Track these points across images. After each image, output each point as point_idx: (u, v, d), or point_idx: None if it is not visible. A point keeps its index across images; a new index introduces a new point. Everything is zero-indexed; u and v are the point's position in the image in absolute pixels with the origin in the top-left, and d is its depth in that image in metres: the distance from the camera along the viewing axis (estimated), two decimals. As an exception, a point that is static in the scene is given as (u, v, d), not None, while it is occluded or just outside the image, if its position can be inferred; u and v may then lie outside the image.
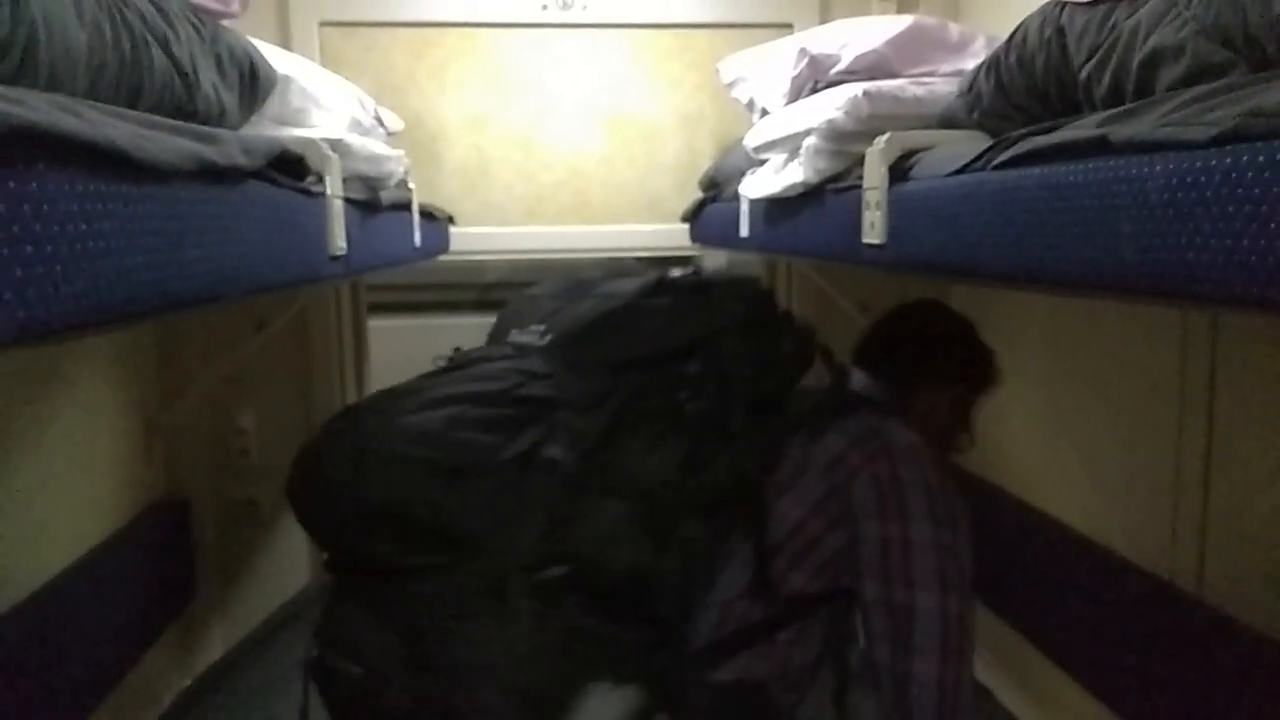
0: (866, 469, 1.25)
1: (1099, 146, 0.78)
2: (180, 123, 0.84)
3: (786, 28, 2.59)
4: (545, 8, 2.63)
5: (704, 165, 2.61)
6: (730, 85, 2.10)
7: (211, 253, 0.78)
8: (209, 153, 0.77)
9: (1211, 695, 1.48)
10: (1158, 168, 0.70)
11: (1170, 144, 0.69)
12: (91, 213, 0.59)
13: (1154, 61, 0.87)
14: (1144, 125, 0.74)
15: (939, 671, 1.19)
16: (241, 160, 0.86)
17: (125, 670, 1.94)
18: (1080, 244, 0.79)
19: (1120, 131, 0.76)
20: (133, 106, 0.89)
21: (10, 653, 1.51)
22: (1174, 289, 0.71)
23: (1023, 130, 0.97)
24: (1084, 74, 1.01)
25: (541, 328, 1.28)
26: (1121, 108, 0.84)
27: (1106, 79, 0.96)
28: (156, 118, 0.80)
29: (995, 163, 0.95)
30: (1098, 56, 0.98)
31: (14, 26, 0.72)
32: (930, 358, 1.47)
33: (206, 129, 0.88)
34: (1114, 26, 0.96)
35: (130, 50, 0.89)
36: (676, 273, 1.33)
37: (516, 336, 1.30)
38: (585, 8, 2.64)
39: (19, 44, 0.73)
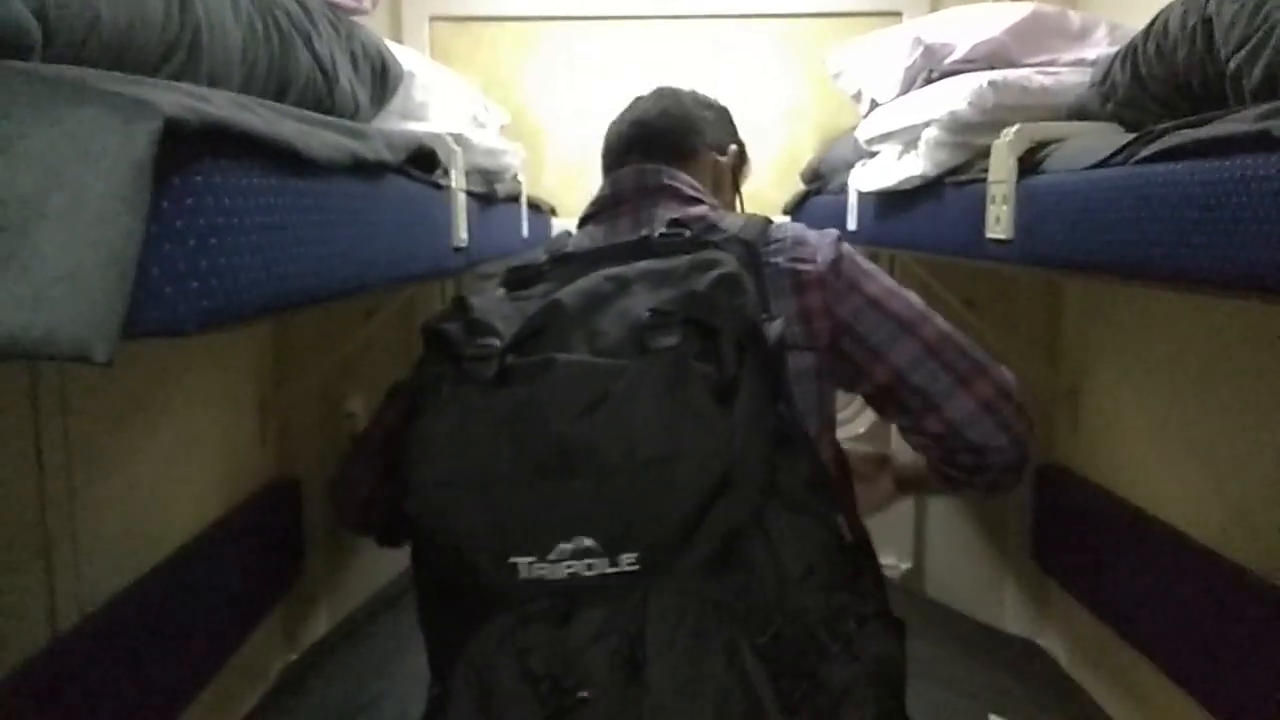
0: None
1: (1259, 141, 0.75)
2: (329, 118, 0.87)
3: (895, 16, 2.55)
4: (649, -1, 2.64)
5: (806, 157, 2.59)
6: (837, 76, 2.08)
7: (360, 245, 0.81)
8: (360, 148, 0.80)
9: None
10: (1328, 164, 0.68)
11: (1344, 139, 0.66)
12: (264, 205, 0.62)
13: (1316, 52, 0.84)
14: (1311, 119, 0.72)
15: (971, 402, 1.13)
16: (387, 155, 0.88)
17: (238, 644, 2.02)
18: (1236, 243, 0.76)
19: (1285, 126, 0.73)
20: (279, 101, 0.93)
21: (131, 626, 1.58)
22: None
23: (1167, 124, 0.94)
24: (1232, 65, 0.97)
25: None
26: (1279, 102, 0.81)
27: (1259, 71, 0.92)
28: (308, 113, 0.83)
29: (1139, 156, 0.92)
30: (1249, 47, 0.94)
31: (181, 26, 0.75)
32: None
33: (353, 125, 0.91)
34: (1268, 16, 0.92)
35: (279, 47, 0.93)
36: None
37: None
38: (689, -1, 2.64)
39: (185, 43, 0.76)
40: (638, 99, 1.40)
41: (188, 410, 1.94)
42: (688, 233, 1.09)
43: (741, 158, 1.42)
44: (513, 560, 0.90)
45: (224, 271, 0.57)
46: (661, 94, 1.38)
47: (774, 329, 1.00)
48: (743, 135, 1.44)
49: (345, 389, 2.56)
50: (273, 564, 2.29)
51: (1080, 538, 2.28)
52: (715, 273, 0.98)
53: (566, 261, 1.10)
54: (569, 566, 0.90)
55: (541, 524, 0.90)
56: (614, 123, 1.37)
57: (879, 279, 1.17)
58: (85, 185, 0.48)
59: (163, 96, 0.51)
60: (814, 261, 1.11)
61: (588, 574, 0.90)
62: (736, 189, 1.43)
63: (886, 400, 1.16)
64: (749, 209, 1.38)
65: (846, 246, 1.18)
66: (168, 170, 0.52)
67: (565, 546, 0.89)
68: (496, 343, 0.94)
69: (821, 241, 1.15)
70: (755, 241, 1.11)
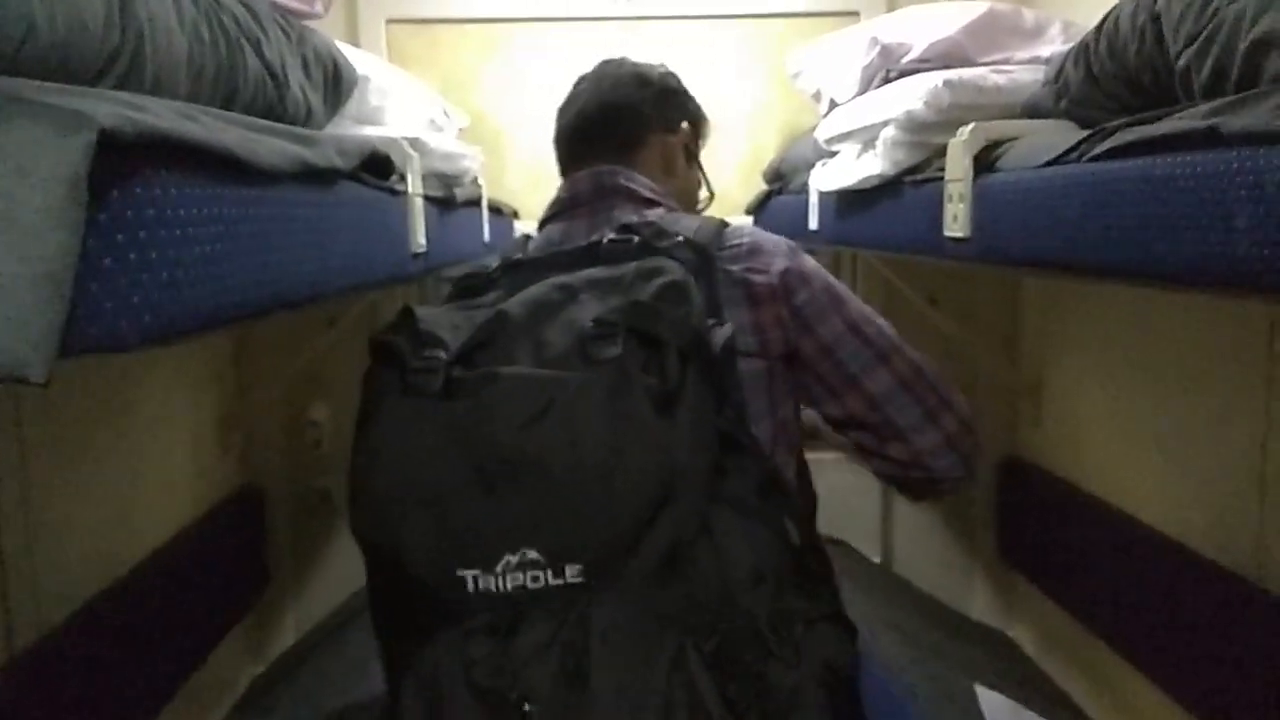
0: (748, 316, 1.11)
1: (1209, 138, 0.76)
2: (277, 125, 0.85)
3: (853, 16, 2.56)
4: (609, 0, 2.63)
5: (768, 157, 2.59)
6: (796, 76, 2.08)
7: (312, 254, 0.80)
8: (309, 155, 0.79)
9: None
10: (1275, 160, 0.68)
11: (1290, 135, 0.67)
12: (209, 216, 0.61)
13: (1262, 48, 0.84)
14: (1258, 116, 0.72)
15: (938, 437, 1.15)
16: (338, 161, 0.87)
17: (203, 656, 1.99)
18: (1189, 238, 0.76)
19: (1232, 123, 0.74)
20: (227, 108, 0.91)
21: (92, 643, 1.55)
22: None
23: (1120, 121, 0.95)
24: (1182, 62, 0.98)
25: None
26: (1229, 98, 0.81)
27: (1207, 67, 0.93)
28: (256, 120, 0.81)
29: (1092, 154, 0.93)
30: (1198, 44, 0.95)
31: (123, 34, 0.74)
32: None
33: (303, 131, 0.90)
34: (1216, 12, 0.93)
35: (226, 53, 0.91)
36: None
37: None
38: (649, 0, 2.64)
39: (128, 51, 0.75)
40: (580, 82, 1.38)
41: (148, 421, 1.91)
42: (636, 239, 1.09)
43: (695, 128, 1.40)
44: (459, 574, 0.90)
45: (167, 285, 0.56)
46: (601, 77, 1.36)
47: (721, 335, 1.00)
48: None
49: (308, 397, 2.53)
50: (238, 576, 2.26)
51: (1044, 531, 2.31)
52: (659, 281, 0.98)
53: (516, 268, 1.10)
54: (514, 579, 0.89)
55: (486, 537, 0.89)
56: (560, 111, 1.37)
57: (853, 300, 1.18)
58: (17, 201, 0.47)
59: (98, 107, 0.50)
60: (768, 272, 1.12)
61: (533, 586, 0.89)
62: (694, 159, 1.41)
63: (852, 423, 1.18)
64: (713, 210, 1.38)
65: (808, 260, 1.18)
66: (106, 183, 0.51)
67: (510, 559, 0.89)
68: (442, 355, 0.94)
69: (777, 250, 1.16)
70: (709, 245, 1.11)
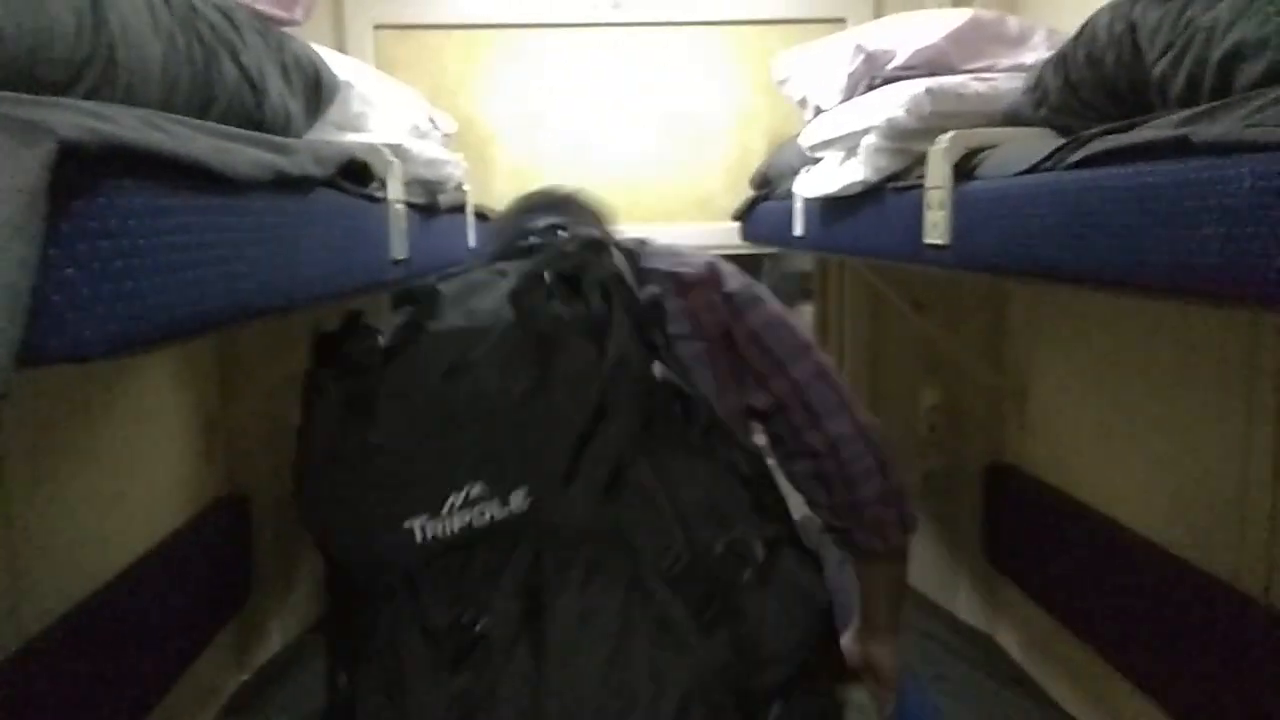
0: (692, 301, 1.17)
1: (1180, 147, 0.76)
2: (252, 133, 0.85)
3: (839, 23, 2.57)
4: (596, 6, 2.63)
5: (755, 163, 2.59)
6: (782, 82, 2.09)
7: (285, 262, 0.80)
8: (283, 163, 0.78)
9: (1278, 702, 1.45)
10: (1244, 169, 0.69)
11: (1258, 145, 0.67)
12: (176, 226, 0.60)
13: (1234, 58, 0.85)
14: (1228, 125, 0.73)
15: (851, 425, 1.18)
16: (314, 170, 0.87)
17: (187, 664, 1.98)
18: (1160, 246, 0.77)
19: (1203, 132, 0.74)
20: (204, 116, 0.91)
21: (77, 647, 1.54)
22: (1259, 294, 0.69)
23: (1095, 129, 0.96)
24: (1157, 71, 0.99)
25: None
26: (1201, 107, 0.82)
27: (1182, 76, 0.94)
28: (230, 129, 0.81)
29: (1067, 162, 0.93)
30: (1172, 53, 0.96)
31: (94, 42, 0.74)
32: None
33: (279, 139, 0.89)
34: (1190, 22, 0.94)
35: (202, 61, 0.91)
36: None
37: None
38: (636, 6, 2.64)
39: (99, 59, 0.74)
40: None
41: (131, 427, 1.90)
42: (565, 233, 1.15)
43: None
44: (408, 525, 0.91)
45: (131, 295, 0.56)
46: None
47: (647, 291, 1.05)
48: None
49: (294, 404, 2.51)
50: (222, 583, 2.25)
51: (1030, 535, 2.31)
52: (580, 240, 1.05)
53: (455, 275, 1.13)
54: (461, 518, 0.91)
55: (429, 480, 0.91)
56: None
57: (773, 298, 1.23)
58: (-25, 211, 0.47)
59: (58, 118, 0.50)
60: (693, 265, 1.18)
61: (480, 523, 0.91)
62: None
63: (776, 414, 1.21)
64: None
65: (728, 263, 1.24)
66: (68, 193, 0.51)
67: (456, 497, 0.91)
68: (380, 336, 0.96)
69: (697, 255, 1.22)
70: (632, 248, 1.17)
